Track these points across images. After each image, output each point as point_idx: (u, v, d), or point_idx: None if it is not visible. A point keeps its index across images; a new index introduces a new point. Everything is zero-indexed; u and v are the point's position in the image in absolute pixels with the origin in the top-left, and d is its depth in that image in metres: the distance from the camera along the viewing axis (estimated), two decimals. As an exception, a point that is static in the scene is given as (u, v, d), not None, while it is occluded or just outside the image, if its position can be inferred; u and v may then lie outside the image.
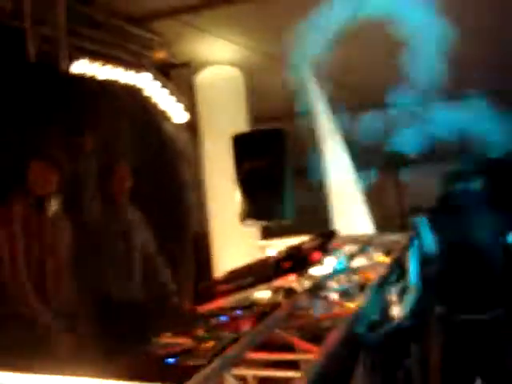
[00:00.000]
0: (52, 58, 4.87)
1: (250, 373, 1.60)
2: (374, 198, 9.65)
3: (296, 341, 1.79)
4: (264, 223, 4.13)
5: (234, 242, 5.26)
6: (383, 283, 2.63)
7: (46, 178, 3.68)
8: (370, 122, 7.70)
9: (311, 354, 1.69)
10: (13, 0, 4.57)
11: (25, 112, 4.53)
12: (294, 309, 2.15)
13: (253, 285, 2.28)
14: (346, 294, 3.01)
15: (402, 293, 3.72)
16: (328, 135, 5.23)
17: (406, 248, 3.57)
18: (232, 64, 6.02)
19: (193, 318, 2.62)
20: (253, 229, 4.94)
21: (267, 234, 5.25)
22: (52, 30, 4.82)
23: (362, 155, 8.18)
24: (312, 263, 2.52)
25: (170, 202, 5.38)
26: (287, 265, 2.27)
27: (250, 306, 2.68)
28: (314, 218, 5.39)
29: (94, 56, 5.31)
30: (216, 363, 1.57)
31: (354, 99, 7.15)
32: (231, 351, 1.65)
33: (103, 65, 5.35)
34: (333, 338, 1.76)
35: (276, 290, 2.72)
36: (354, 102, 7.20)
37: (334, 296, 2.88)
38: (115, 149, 5.00)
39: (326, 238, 2.75)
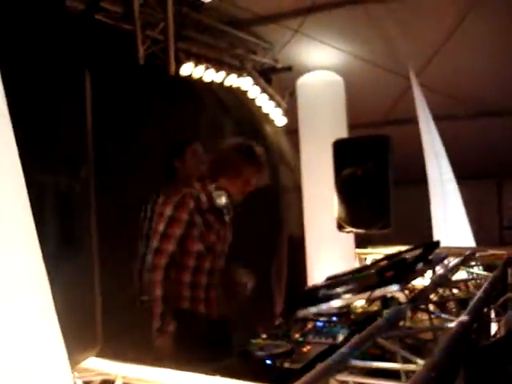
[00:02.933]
0: (161, 61, 5.06)
1: (352, 379, 1.62)
2: (473, 209, 9.38)
3: (398, 351, 1.80)
4: (362, 231, 4.10)
5: (329, 248, 5.26)
6: (484, 299, 2.57)
7: None
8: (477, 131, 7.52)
9: (413, 365, 1.70)
10: (124, 4, 4.78)
11: (132, 111, 4.75)
12: (395, 319, 2.15)
13: (354, 292, 2.29)
14: (446, 308, 2.97)
15: (503, 309, 3.62)
16: (430, 144, 5.13)
17: (508, 263, 3.47)
18: (334, 69, 6.02)
19: (291, 321, 2.66)
20: (349, 237, 4.93)
21: (363, 242, 5.22)
22: (161, 34, 5.00)
23: (462, 165, 7.98)
24: (415, 274, 2.51)
25: (268, 205, 5.44)
26: (390, 274, 2.27)
27: (346, 313, 2.69)
28: (410, 229, 5.31)
29: (199, 59, 5.47)
30: (321, 368, 1.60)
31: (461, 108, 6.99)
32: (336, 357, 1.68)
33: (207, 68, 5.51)
34: (437, 351, 1.75)
35: (371, 299, 2.73)
36: (461, 111, 7.04)
37: (434, 308, 2.84)
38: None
39: (429, 249, 2.72)
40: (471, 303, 2.31)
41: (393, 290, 2.24)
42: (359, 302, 2.76)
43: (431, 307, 2.80)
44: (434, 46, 5.74)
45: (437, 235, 4.68)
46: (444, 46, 5.70)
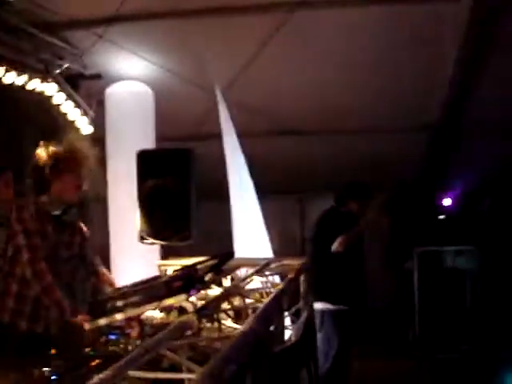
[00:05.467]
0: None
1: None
2: (278, 223, 9.86)
3: (180, 360, 1.80)
4: (164, 243, 4.11)
5: (134, 260, 5.19)
6: (272, 306, 2.68)
7: None
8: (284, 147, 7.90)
9: (195, 374, 1.71)
10: None
11: None
12: (184, 329, 2.16)
13: (142, 303, 2.27)
14: (239, 316, 3.06)
15: (296, 316, 3.82)
16: (232, 159, 5.29)
17: (300, 272, 3.67)
18: (143, 80, 6.00)
19: (81, 335, 2.58)
20: (153, 248, 4.90)
21: (172, 253, 5.22)
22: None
23: (272, 180, 8.34)
24: (205, 284, 2.55)
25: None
26: (178, 284, 2.28)
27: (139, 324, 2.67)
28: (217, 240, 5.42)
29: (1, 60, 5.15)
30: (97, 381, 1.55)
31: (267, 124, 7.29)
32: (113, 369, 1.64)
33: (7, 71, 5.20)
34: (214, 359, 1.77)
35: (169, 310, 2.73)
36: (267, 127, 7.34)
37: (227, 317, 2.91)
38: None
39: (222, 260, 2.79)
40: (257, 311, 2.40)
41: (180, 299, 2.26)
42: (156, 313, 2.75)
43: (224, 316, 2.87)
44: (242, 64, 5.93)
45: (237, 247, 4.82)
46: (251, 64, 5.91)
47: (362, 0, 5.08)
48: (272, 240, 5.65)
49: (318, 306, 5.00)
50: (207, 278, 2.53)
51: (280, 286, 3.11)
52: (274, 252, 5.52)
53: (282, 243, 9.61)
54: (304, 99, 6.70)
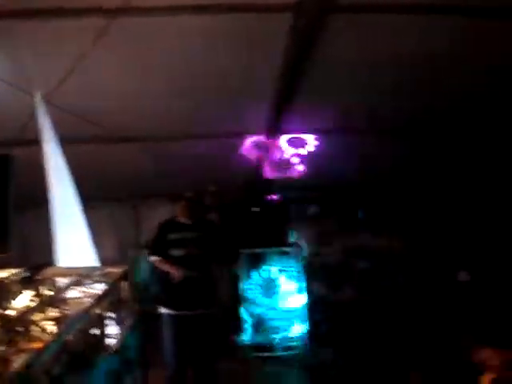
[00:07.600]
0: None
1: None
2: (113, 230, 9.74)
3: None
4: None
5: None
6: (87, 314, 2.68)
7: None
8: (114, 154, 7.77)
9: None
10: None
11: None
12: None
13: None
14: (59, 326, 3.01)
15: (119, 324, 3.82)
16: (54, 167, 5.14)
17: (121, 279, 3.68)
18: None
19: None
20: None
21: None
22: None
23: (105, 187, 8.20)
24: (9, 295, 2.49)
25: None
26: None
27: None
28: (44, 251, 5.23)
29: None
30: None
31: (95, 131, 7.14)
32: None
33: None
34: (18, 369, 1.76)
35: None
36: (95, 134, 7.18)
37: (36, 328, 2.86)
38: None
39: (34, 271, 2.73)
40: (68, 320, 2.39)
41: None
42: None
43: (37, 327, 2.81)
44: (67, 68, 5.76)
45: (60, 256, 4.69)
46: (77, 69, 5.75)
47: (191, 8, 5.14)
48: (106, 247, 5.60)
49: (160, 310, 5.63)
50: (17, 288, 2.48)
51: (99, 294, 3.12)
52: (107, 259, 5.46)
53: (118, 250, 9.51)
54: (132, 106, 6.64)
